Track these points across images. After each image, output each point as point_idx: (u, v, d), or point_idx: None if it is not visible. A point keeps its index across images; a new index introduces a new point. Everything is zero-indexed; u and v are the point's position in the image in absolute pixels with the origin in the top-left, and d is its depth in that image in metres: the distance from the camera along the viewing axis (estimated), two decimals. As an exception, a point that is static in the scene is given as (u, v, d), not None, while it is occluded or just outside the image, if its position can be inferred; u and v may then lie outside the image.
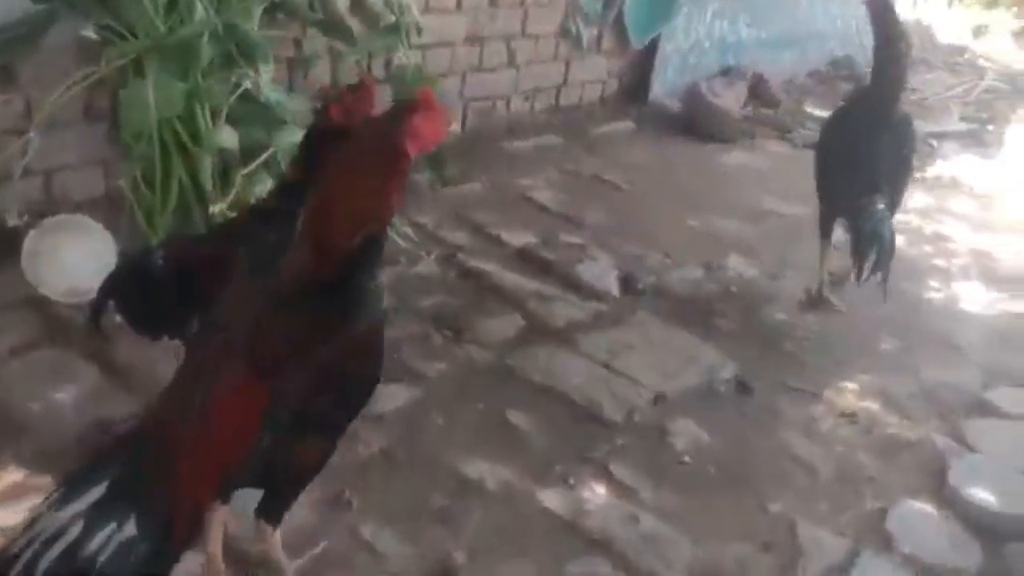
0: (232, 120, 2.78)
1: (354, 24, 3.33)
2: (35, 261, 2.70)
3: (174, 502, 1.42)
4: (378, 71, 3.77)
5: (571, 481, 2.34)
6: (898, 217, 4.33)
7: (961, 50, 7.92)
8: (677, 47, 5.39)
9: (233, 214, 2.64)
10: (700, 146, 5.02)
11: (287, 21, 3.23)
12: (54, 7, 2.69)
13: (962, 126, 5.91)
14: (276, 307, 1.55)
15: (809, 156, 3.67)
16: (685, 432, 2.60)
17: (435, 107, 1.63)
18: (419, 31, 3.44)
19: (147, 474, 1.41)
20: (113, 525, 1.34)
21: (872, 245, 3.13)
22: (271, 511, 1.76)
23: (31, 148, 2.76)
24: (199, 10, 2.71)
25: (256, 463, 1.54)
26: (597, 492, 2.32)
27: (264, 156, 2.80)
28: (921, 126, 5.63)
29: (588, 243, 3.63)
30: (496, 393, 2.63)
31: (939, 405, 2.93)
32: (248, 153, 2.81)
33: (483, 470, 2.32)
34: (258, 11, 2.90)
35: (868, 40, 3.44)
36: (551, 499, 2.26)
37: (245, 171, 2.74)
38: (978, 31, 8.48)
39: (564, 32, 4.79)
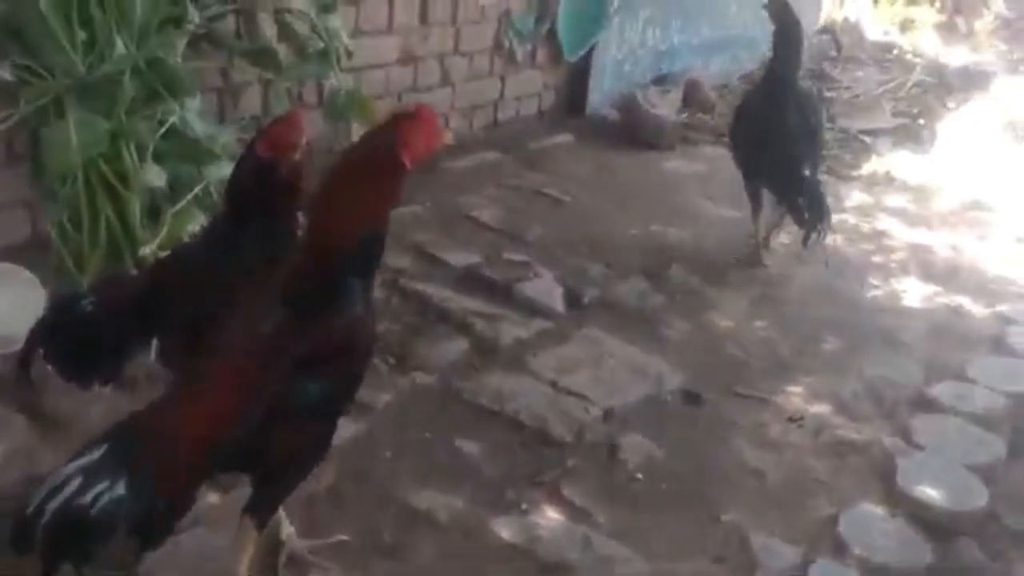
0: (160, 156, 2.71)
1: (282, 51, 3.29)
2: (-41, 311, 2.61)
3: (161, 471, 1.55)
4: (312, 96, 3.73)
5: (524, 507, 2.31)
6: (835, 216, 4.43)
7: (889, 46, 8.07)
8: (611, 57, 5.41)
9: (164, 253, 2.57)
10: (639, 155, 5.04)
11: (213, 51, 3.16)
12: (-35, 48, 2.61)
13: (894, 122, 6.01)
14: (274, 302, 1.70)
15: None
16: (636, 448, 2.59)
17: (429, 120, 1.74)
18: (349, 55, 3.40)
19: (140, 443, 1.56)
20: (106, 483, 1.49)
21: (816, 214, 3.64)
22: (258, 506, 1.79)
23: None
24: (119, 46, 2.63)
25: (244, 441, 1.64)
26: (550, 517, 2.30)
27: (194, 192, 2.73)
28: (854, 123, 5.76)
29: (532, 259, 3.61)
30: (443, 420, 2.60)
31: (884, 404, 2.96)
32: (178, 189, 2.74)
33: (433, 501, 2.28)
34: (182, 43, 2.83)
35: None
36: (504, 527, 2.23)
37: (175, 208, 2.68)
38: (905, 26, 8.65)
39: (498, 48, 4.79)
